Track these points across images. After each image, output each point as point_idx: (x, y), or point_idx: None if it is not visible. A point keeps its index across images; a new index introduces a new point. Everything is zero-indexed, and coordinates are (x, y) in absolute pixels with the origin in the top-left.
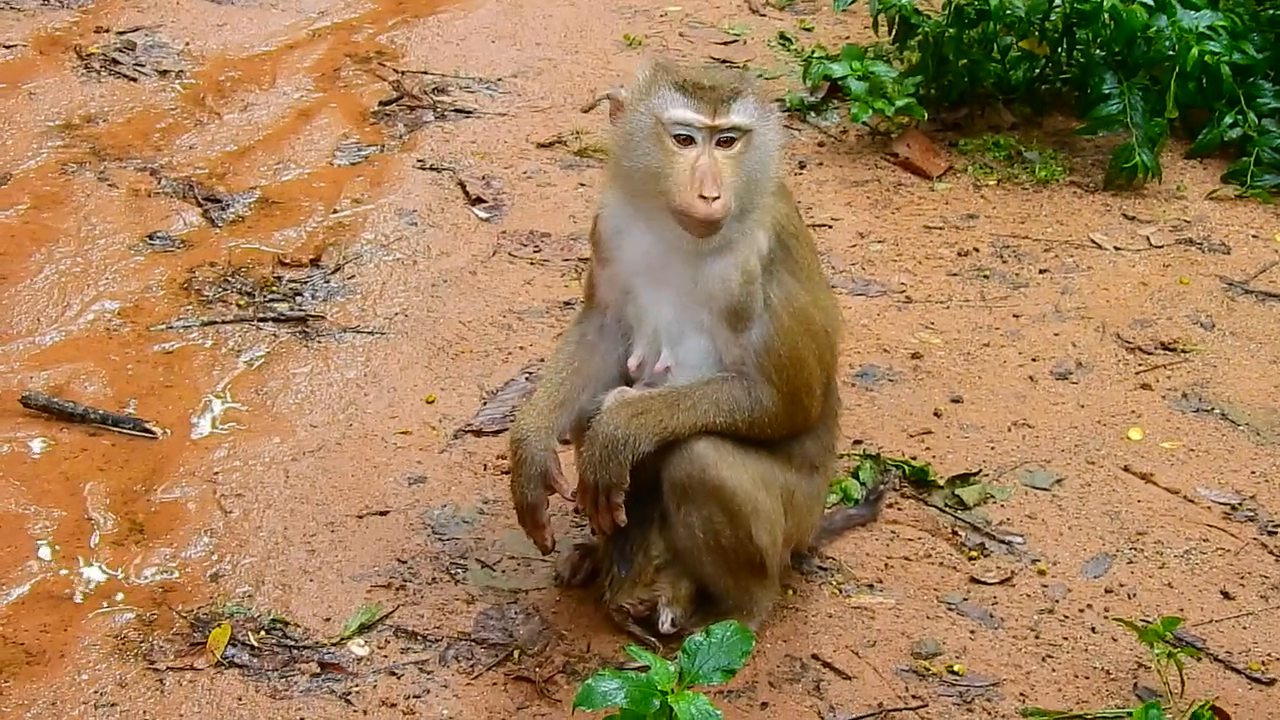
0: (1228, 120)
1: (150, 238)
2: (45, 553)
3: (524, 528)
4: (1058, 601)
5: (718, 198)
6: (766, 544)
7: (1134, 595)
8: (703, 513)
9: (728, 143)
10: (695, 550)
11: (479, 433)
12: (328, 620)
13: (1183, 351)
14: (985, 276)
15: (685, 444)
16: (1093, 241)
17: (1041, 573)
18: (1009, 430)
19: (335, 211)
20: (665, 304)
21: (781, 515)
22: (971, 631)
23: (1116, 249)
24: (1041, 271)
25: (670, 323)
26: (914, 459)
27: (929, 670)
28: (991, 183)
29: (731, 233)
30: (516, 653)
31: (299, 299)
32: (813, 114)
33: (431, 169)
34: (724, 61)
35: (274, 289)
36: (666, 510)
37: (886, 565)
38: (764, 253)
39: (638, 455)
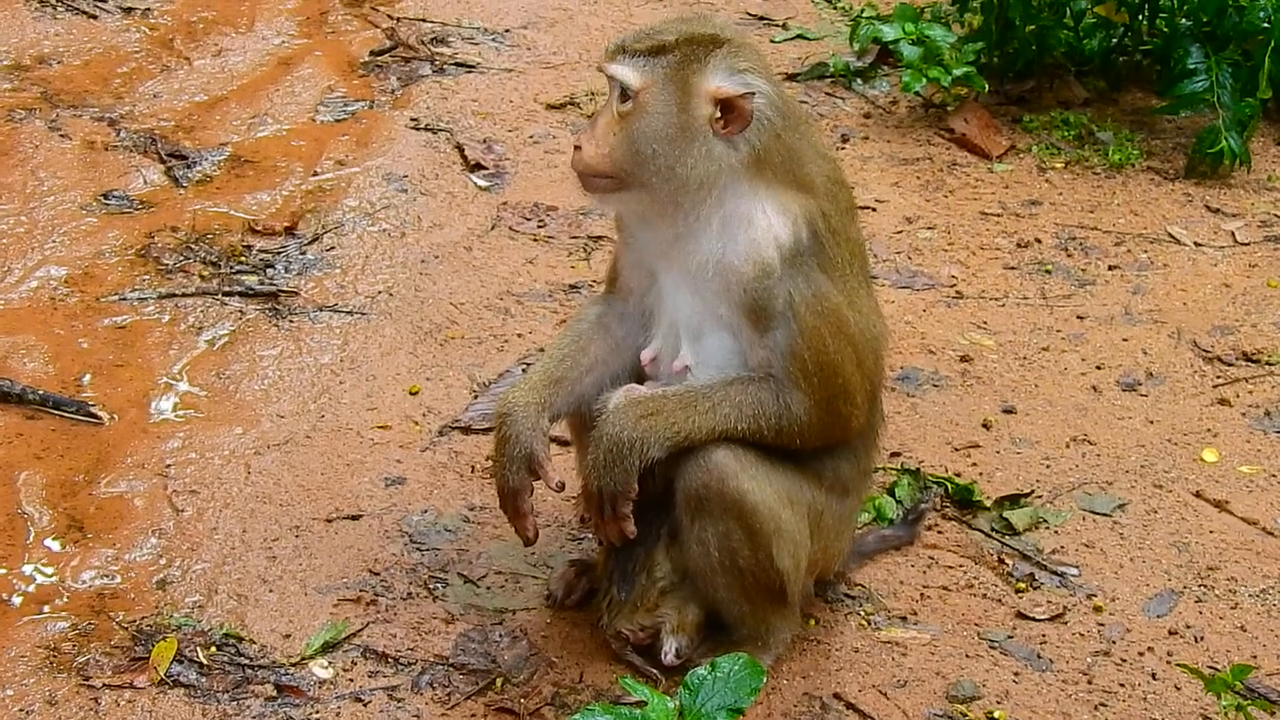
0: None
1: (105, 197)
2: None
3: (505, 513)
4: (1115, 643)
5: (578, 147)
6: (788, 568)
7: (1201, 638)
8: (719, 529)
9: (625, 98)
10: (708, 571)
11: (467, 430)
12: (287, 637)
13: (1268, 364)
14: (1047, 271)
15: (702, 451)
16: (1170, 236)
17: (1098, 609)
18: (1067, 447)
19: (315, 174)
20: (683, 294)
21: (807, 537)
22: (1016, 674)
23: (1197, 245)
24: (1111, 268)
25: (689, 315)
26: (958, 476)
27: (966, 716)
28: (1058, 165)
29: (679, 209)
30: (499, 681)
31: (270, 271)
32: (859, 81)
33: (426, 129)
34: (761, 18)
35: (242, 259)
36: (678, 525)
37: (922, 595)
38: (785, 245)
39: (646, 460)
